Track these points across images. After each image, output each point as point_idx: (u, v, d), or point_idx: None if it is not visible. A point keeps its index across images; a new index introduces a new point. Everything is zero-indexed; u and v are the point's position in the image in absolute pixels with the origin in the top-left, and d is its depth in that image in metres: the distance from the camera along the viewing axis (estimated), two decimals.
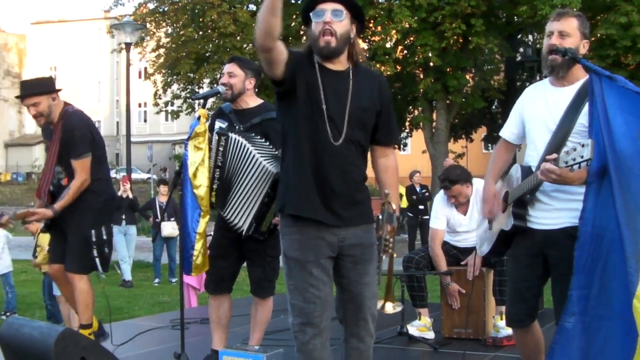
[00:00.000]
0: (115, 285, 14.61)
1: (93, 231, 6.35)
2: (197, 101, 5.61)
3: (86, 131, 6.34)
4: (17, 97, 6.35)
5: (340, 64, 4.15)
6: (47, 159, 6.28)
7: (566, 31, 4.28)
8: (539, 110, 4.40)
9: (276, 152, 5.32)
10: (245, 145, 5.39)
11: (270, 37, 3.86)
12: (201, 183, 5.36)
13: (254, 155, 5.36)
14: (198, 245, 5.40)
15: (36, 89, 6.25)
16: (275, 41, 3.90)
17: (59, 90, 6.37)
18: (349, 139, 4.08)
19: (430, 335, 7.03)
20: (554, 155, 3.99)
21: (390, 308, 4.09)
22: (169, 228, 15.36)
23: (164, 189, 16.36)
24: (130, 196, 15.54)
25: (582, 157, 3.78)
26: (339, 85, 4.10)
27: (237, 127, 5.55)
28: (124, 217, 15.14)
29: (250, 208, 5.42)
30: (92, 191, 6.31)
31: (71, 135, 6.22)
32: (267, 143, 5.45)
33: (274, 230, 5.46)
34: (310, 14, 4.08)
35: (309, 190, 4.08)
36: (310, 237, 4.09)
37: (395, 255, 4.10)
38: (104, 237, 6.44)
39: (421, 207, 18.01)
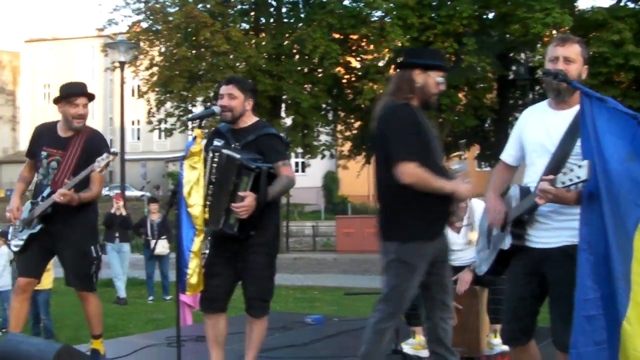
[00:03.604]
0: (109, 303, 14.59)
1: (92, 247, 6.45)
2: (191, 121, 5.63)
3: None
4: (57, 98, 6.38)
5: None
6: (61, 165, 6.35)
7: (571, 57, 4.35)
8: (537, 133, 4.44)
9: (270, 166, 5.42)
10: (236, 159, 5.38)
11: None
12: (195, 202, 5.38)
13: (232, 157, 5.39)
14: (192, 264, 5.40)
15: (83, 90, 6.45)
16: None
17: (93, 98, 6.53)
18: None
19: (425, 353, 7.01)
20: (551, 177, 4.03)
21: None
22: (160, 246, 15.38)
23: (154, 207, 16.38)
24: (124, 213, 15.54)
25: (578, 177, 3.83)
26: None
27: (232, 145, 5.55)
28: (117, 234, 15.14)
29: (221, 203, 5.41)
30: (92, 208, 6.48)
31: (98, 149, 6.27)
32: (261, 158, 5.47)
33: (245, 228, 5.42)
34: (436, 76, 5.01)
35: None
36: (428, 248, 5.00)
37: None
38: (100, 253, 6.60)
39: None
